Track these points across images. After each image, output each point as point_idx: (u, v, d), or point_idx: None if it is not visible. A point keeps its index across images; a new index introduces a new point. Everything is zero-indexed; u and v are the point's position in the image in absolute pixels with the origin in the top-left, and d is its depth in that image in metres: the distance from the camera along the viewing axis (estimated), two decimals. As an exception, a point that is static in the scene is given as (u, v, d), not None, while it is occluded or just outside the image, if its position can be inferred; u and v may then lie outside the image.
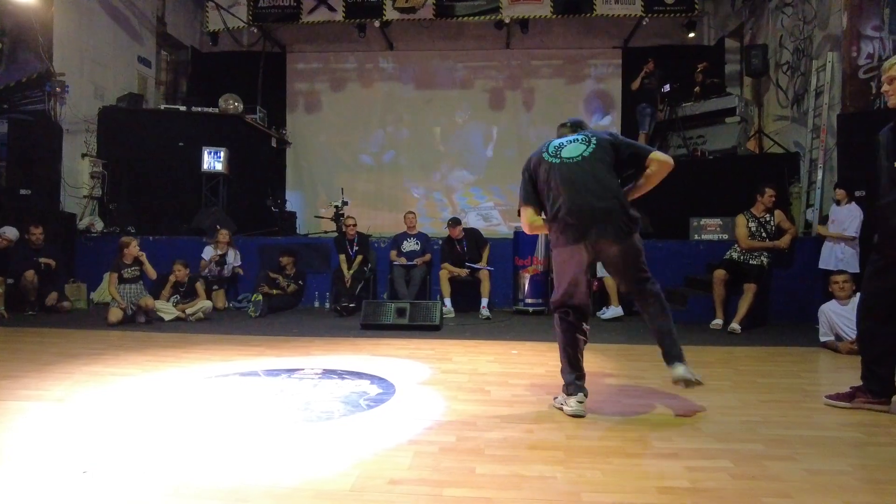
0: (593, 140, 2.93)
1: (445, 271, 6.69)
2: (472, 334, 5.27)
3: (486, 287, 6.55)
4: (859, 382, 2.97)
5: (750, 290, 5.55)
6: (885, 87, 2.93)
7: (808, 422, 2.72)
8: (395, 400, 3.02)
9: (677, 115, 8.50)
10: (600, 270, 6.34)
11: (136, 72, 9.25)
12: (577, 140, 2.96)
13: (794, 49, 8.03)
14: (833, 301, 4.66)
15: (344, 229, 7.13)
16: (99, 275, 7.08)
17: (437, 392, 3.18)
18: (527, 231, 3.11)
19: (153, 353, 4.25)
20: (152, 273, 5.98)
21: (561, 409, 2.81)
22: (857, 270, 5.26)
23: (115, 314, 5.59)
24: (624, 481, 1.98)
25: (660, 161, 2.85)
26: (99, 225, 7.99)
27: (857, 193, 6.22)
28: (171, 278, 6.31)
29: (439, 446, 2.32)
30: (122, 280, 5.83)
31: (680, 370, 2.77)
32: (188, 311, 6.04)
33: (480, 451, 2.27)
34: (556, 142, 3.02)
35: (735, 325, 5.42)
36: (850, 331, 4.45)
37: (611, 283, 6.36)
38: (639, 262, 2.87)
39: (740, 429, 2.55)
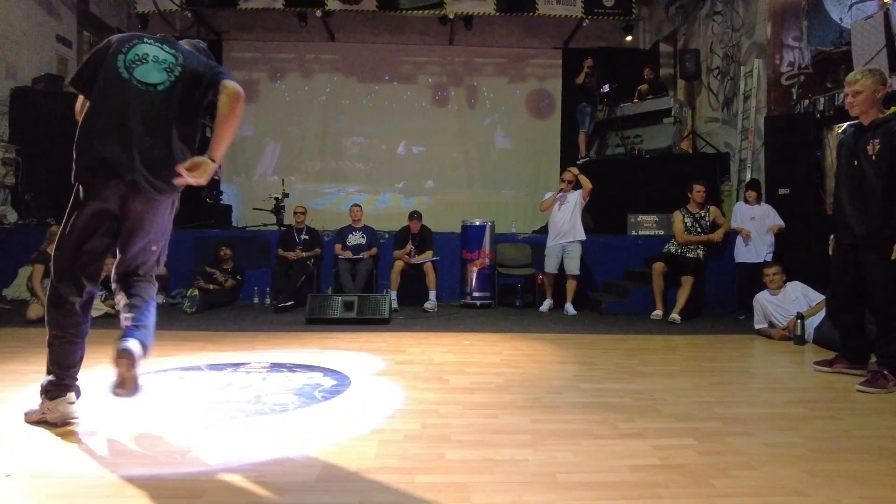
0: (178, 68, 2.34)
1: (400, 263, 6.57)
2: (422, 327, 5.20)
3: (431, 279, 6.49)
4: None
5: (688, 281, 5.79)
6: (848, 100, 3.20)
7: (758, 400, 2.84)
8: (351, 391, 2.91)
9: (616, 115, 8.76)
10: (547, 265, 6.41)
11: (54, 52, 8.57)
12: (160, 62, 2.33)
13: (724, 55, 8.45)
14: (766, 291, 4.90)
15: (293, 223, 6.88)
16: (12, 270, 6.49)
17: (394, 382, 3.09)
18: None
19: (80, 350, 3.92)
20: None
21: (45, 421, 2.27)
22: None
23: (35, 310, 5.12)
24: (595, 461, 1.97)
25: (231, 92, 2.31)
26: (12, 216, 7.33)
27: (782, 191, 6.61)
28: (101, 274, 5.86)
29: (404, 434, 2.24)
30: (48, 273, 5.36)
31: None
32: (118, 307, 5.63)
33: (447, 437, 2.21)
34: (140, 49, 2.34)
35: (675, 316, 5.62)
36: (782, 318, 4.71)
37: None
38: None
39: (697, 409, 2.61)
